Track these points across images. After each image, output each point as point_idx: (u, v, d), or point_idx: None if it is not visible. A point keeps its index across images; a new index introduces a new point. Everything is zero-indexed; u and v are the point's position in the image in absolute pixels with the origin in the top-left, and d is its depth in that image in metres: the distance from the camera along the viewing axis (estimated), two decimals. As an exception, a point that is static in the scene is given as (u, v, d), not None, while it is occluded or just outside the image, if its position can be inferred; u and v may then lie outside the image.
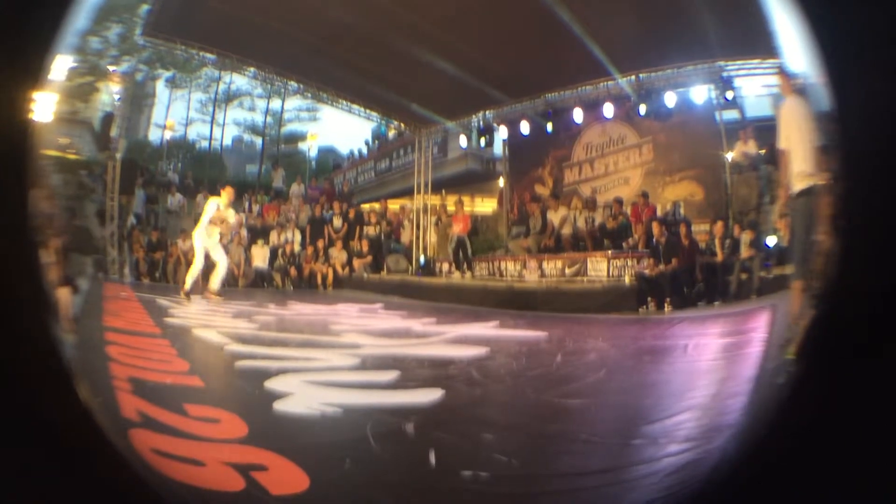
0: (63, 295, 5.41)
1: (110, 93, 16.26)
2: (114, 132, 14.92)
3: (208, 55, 14.54)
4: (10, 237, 2.04)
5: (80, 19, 2.34)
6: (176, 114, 26.29)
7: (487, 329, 8.12)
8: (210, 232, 11.08)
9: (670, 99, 12.66)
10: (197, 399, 4.11)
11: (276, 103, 27.24)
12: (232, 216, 11.47)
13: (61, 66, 2.38)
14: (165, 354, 5.74)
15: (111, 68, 17.68)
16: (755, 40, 9.79)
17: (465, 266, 14.40)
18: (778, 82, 7.25)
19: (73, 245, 11.18)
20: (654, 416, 3.94)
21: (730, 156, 12.16)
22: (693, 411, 3.83)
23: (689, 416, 3.72)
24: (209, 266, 11.16)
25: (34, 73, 2.09)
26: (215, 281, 11.06)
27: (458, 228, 15.02)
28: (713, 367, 5.49)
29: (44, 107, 2.24)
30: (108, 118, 15.24)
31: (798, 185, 6.09)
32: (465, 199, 17.91)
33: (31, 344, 2.09)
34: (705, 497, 2.33)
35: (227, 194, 11.58)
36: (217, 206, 11.17)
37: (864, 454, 1.90)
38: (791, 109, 6.41)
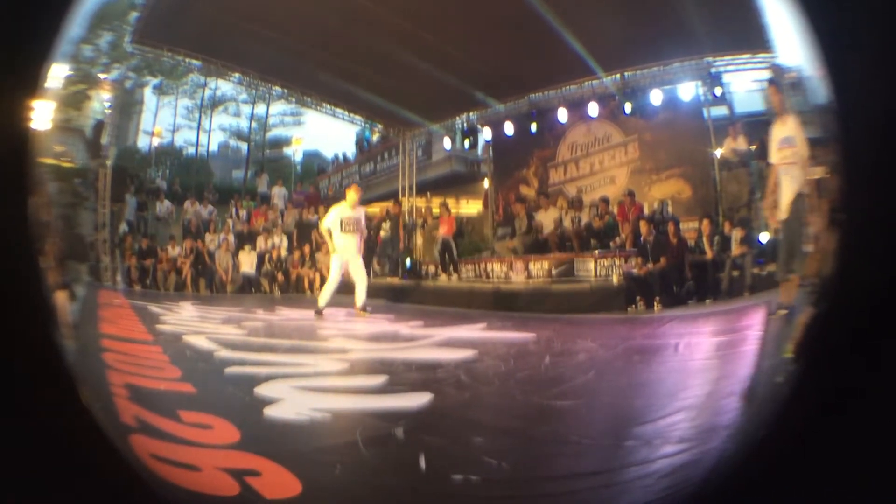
0: (62, 302, 5.37)
1: (101, 100, 16.19)
2: (104, 140, 14.91)
3: (194, 61, 14.49)
4: (10, 244, 2.03)
5: (75, 27, 2.33)
6: (163, 120, 26.21)
7: (475, 331, 8.09)
8: (347, 242, 10.39)
9: (656, 97, 12.63)
10: (190, 405, 4.13)
11: (260, 108, 27.22)
12: (362, 216, 10.67)
13: (57, 73, 2.36)
14: (158, 361, 5.78)
15: (102, 76, 17.61)
16: (745, 35, 9.78)
17: (451, 268, 14.37)
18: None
19: (69, 252, 11.11)
20: (647, 416, 3.92)
21: (718, 152, 12.15)
22: (687, 412, 3.80)
23: (682, 416, 3.69)
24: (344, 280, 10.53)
25: (32, 82, 2.08)
26: (361, 296, 10.33)
27: (442, 231, 15.02)
28: (706, 366, 5.48)
29: (42, 114, 2.23)
30: (98, 126, 15.22)
31: None
32: (451, 201, 17.88)
33: (34, 350, 2.09)
34: (703, 499, 2.30)
35: (353, 193, 10.70)
36: (340, 212, 10.49)
37: (864, 454, 1.88)
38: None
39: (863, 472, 1.87)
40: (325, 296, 10.26)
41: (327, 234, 10.53)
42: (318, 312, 10.09)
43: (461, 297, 12.07)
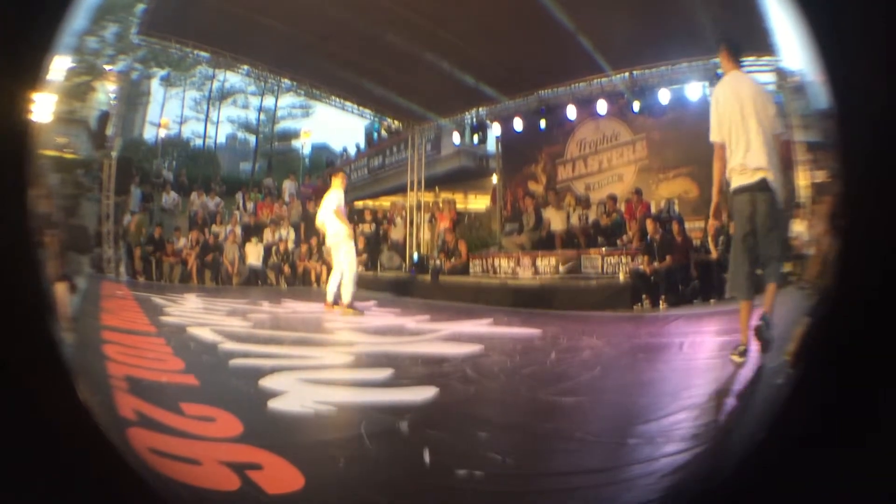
0: (61, 294, 5.38)
1: (106, 92, 16.20)
2: (109, 131, 14.91)
3: (202, 53, 14.49)
4: (10, 236, 2.03)
5: (78, 19, 2.33)
6: (170, 112, 26.21)
7: (481, 326, 8.11)
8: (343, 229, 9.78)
9: (664, 96, 12.58)
10: (192, 398, 4.10)
11: (269, 101, 27.21)
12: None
13: (60, 65, 2.37)
14: (161, 353, 5.72)
15: (107, 67, 17.63)
16: (751, 37, 9.75)
17: (451, 259, 14.37)
18: (721, 59, 5.94)
19: (70, 244, 11.12)
20: (650, 415, 3.92)
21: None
22: (690, 410, 3.80)
23: (686, 415, 3.69)
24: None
25: (34, 74, 2.08)
26: (347, 292, 9.56)
27: (443, 225, 15.08)
28: (710, 365, 5.46)
29: (43, 107, 2.24)
30: (104, 117, 15.22)
31: (739, 181, 5.16)
32: (458, 196, 17.82)
33: (32, 343, 2.09)
34: (704, 499, 2.31)
35: (342, 178, 10.55)
36: (339, 196, 9.99)
37: (864, 456, 1.89)
38: (733, 89, 5.40)
39: (863, 473, 1.88)
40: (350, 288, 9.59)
41: (341, 215, 9.85)
42: (334, 304, 9.67)
43: (468, 292, 12.07)
